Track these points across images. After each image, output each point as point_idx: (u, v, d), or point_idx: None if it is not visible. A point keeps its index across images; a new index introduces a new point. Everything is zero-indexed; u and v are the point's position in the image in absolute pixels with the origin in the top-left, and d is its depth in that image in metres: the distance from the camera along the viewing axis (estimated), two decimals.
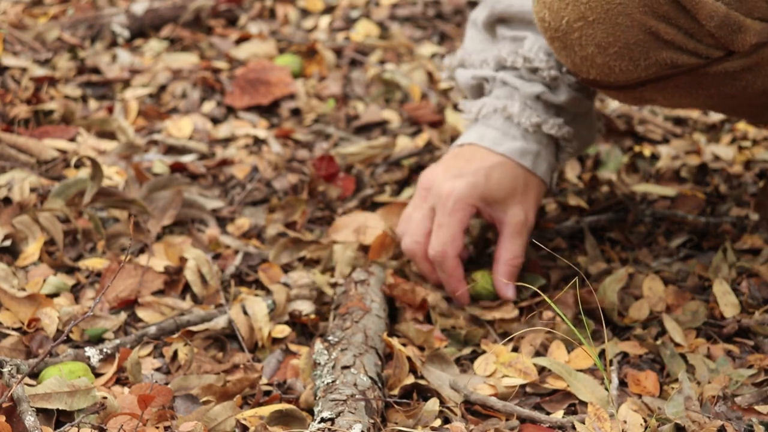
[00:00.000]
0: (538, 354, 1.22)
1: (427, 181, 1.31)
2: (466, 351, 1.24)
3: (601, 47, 1.13)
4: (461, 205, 1.27)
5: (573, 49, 1.15)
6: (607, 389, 1.12)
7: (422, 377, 1.17)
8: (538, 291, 1.15)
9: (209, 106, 1.86)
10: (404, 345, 1.21)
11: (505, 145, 1.29)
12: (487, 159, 1.29)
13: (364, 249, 1.38)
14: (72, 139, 1.66)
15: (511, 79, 1.30)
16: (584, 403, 1.12)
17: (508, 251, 1.29)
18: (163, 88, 1.92)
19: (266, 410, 1.10)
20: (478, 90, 1.35)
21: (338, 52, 2.09)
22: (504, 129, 1.30)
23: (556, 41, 1.15)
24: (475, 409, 1.13)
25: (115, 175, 1.56)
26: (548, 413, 1.13)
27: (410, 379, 1.17)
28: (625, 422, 1.08)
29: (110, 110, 1.80)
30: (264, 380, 1.18)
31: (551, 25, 1.14)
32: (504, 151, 1.29)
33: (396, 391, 1.15)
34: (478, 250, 1.40)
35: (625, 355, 1.23)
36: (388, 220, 1.43)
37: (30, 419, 1.03)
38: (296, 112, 1.86)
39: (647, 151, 1.69)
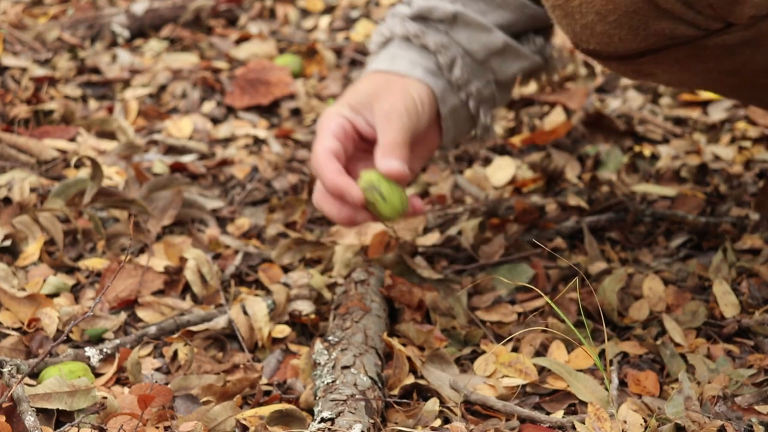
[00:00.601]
0: (537, 354, 1.22)
1: None
2: (466, 351, 1.24)
3: (601, 15, 1.13)
4: (328, 117, 1.27)
5: (573, 17, 1.15)
6: (607, 389, 1.12)
7: (422, 377, 1.17)
8: (540, 292, 1.15)
9: (209, 106, 1.86)
10: (404, 345, 1.21)
11: (371, 65, 1.33)
12: (359, 80, 1.34)
13: (365, 250, 1.38)
14: (72, 139, 1.66)
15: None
16: (584, 403, 1.12)
17: (381, 136, 1.24)
18: (163, 88, 1.92)
19: (266, 410, 1.10)
20: None
21: (338, 52, 2.09)
22: (374, 52, 1.35)
23: (557, 9, 1.16)
24: (475, 409, 1.13)
25: (115, 175, 1.56)
26: (548, 413, 1.13)
27: (410, 379, 1.17)
28: (625, 422, 1.08)
29: (110, 110, 1.80)
30: (264, 380, 1.18)
31: None
32: (370, 68, 1.33)
33: (396, 391, 1.15)
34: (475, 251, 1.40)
35: (625, 355, 1.23)
36: None
37: (30, 419, 1.03)
38: (296, 112, 1.86)
39: (647, 151, 1.69)
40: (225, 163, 1.66)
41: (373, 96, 1.27)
